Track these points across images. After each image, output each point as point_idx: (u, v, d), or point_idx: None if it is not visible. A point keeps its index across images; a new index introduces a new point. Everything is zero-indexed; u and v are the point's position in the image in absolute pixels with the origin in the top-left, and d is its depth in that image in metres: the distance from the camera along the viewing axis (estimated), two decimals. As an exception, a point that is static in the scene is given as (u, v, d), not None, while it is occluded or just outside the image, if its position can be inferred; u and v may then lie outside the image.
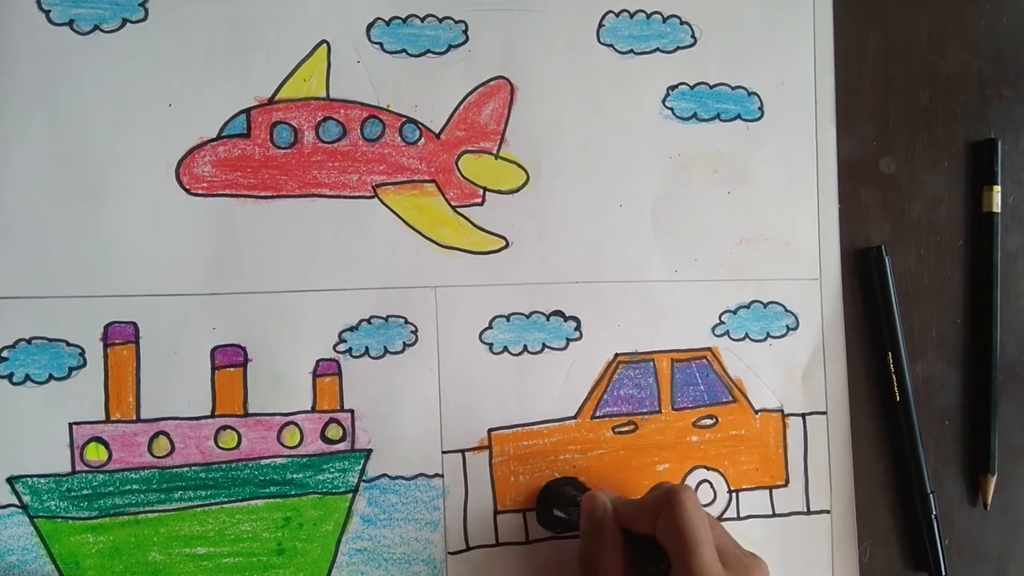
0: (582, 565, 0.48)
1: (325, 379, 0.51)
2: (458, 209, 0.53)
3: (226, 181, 0.50)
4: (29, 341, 0.48)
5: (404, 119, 0.53)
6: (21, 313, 0.48)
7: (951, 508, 0.61)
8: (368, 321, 0.52)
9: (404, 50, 0.53)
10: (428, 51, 0.53)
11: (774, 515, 0.57)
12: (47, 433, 0.48)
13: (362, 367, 0.51)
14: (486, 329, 0.53)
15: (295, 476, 0.50)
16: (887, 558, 0.59)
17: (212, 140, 0.50)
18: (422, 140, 0.53)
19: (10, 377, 0.47)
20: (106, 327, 0.49)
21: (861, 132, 0.60)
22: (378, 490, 0.51)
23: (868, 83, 0.60)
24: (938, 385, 0.61)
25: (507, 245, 0.54)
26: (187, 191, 0.50)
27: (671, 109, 0.57)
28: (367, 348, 0.52)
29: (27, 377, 0.47)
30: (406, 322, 0.52)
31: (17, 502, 0.47)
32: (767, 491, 0.57)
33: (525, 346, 0.54)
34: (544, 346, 0.54)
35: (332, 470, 0.51)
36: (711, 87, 0.57)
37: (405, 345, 0.52)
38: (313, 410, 0.51)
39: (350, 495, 0.51)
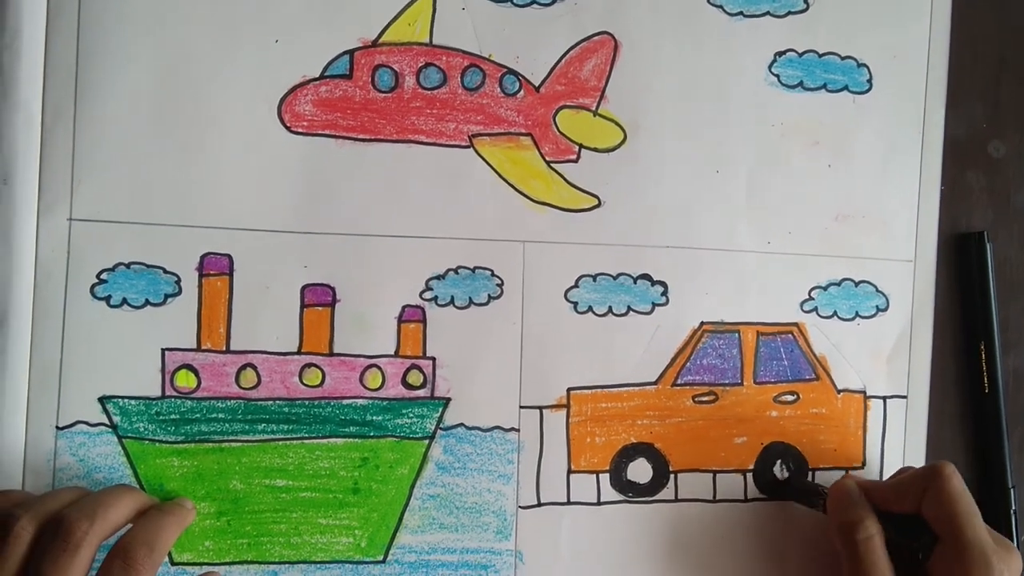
0: (843, 547, 0.49)
1: (410, 325, 0.51)
2: (552, 164, 0.53)
3: (326, 121, 0.51)
4: (128, 266, 0.49)
5: (505, 70, 0.52)
6: (122, 237, 0.48)
7: (1031, 505, 0.59)
8: (455, 271, 0.52)
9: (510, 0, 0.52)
10: (534, 2, 0.53)
11: (849, 497, 0.56)
12: (140, 357, 0.49)
13: (446, 316, 0.52)
14: (572, 287, 0.53)
15: (375, 418, 0.51)
16: (961, 550, 0.58)
17: (315, 79, 0.50)
18: (521, 92, 0.53)
19: (108, 299, 0.48)
20: (202, 257, 0.49)
21: (971, 112, 0.58)
22: (454, 439, 0.52)
23: (981, 62, 0.58)
24: (1029, 379, 0.59)
25: (599, 204, 0.53)
26: (287, 128, 0.50)
27: (777, 76, 0.55)
28: (453, 298, 0.52)
29: (124, 301, 0.48)
30: (492, 275, 0.52)
31: (108, 421, 0.48)
32: (844, 472, 0.56)
33: (610, 307, 0.53)
34: (629, 309, 0.54)
35: (411, 415, 0.51)
36: (820, 56, 0.56)
37: (490, 297, 0.52)
38: (396, 355, 0.51)
39: (427, 441, 0.51)
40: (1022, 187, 0.59)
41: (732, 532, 0.54)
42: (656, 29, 0.54)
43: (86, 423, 0.48)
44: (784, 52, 0.55)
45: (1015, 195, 0.59)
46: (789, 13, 0.55)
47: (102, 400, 0.48)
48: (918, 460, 0.57)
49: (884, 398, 0.57)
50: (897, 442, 0.57)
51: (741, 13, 0.55)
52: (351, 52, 0.51)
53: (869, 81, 0.56)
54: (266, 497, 0.50)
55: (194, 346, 0.49)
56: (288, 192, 0.50)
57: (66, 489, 0.46)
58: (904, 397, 0.57)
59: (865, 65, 0.56)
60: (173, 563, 0.49)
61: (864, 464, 0.56)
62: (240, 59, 0.50)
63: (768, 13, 0.55)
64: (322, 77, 0.51)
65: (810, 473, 0.56)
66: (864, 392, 0.56)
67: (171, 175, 0.49)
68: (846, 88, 0.56)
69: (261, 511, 0.50)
